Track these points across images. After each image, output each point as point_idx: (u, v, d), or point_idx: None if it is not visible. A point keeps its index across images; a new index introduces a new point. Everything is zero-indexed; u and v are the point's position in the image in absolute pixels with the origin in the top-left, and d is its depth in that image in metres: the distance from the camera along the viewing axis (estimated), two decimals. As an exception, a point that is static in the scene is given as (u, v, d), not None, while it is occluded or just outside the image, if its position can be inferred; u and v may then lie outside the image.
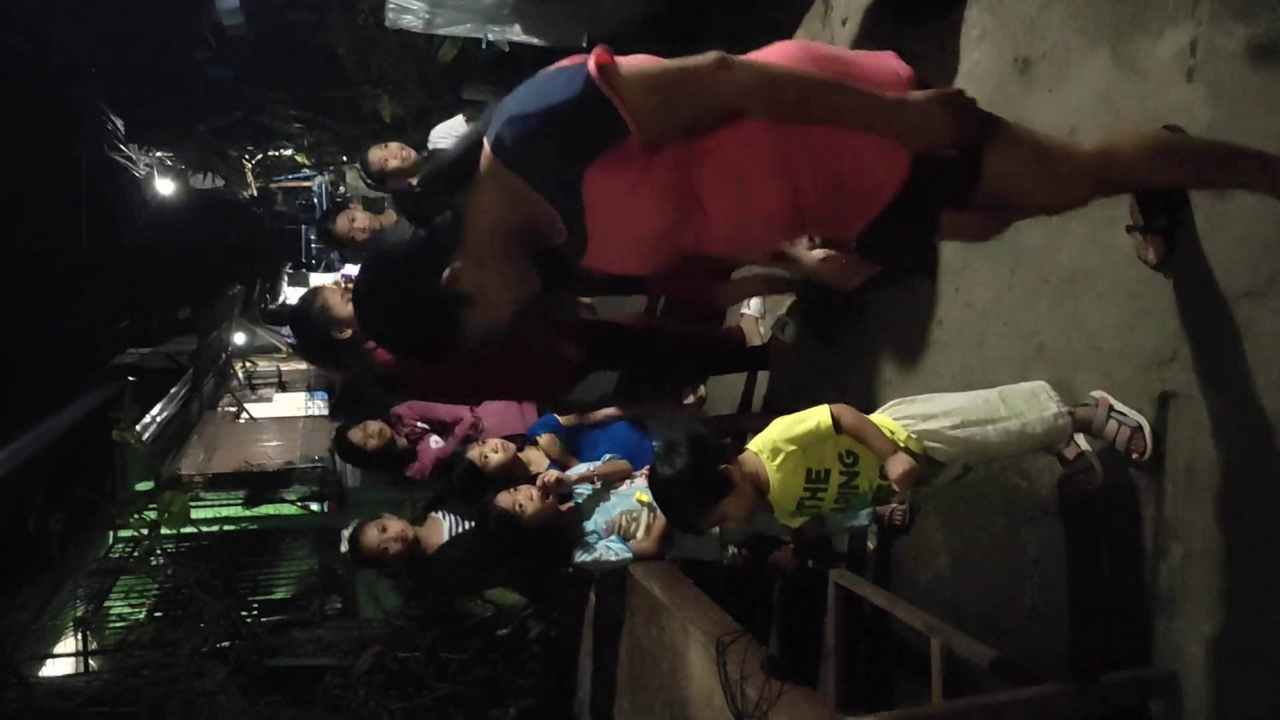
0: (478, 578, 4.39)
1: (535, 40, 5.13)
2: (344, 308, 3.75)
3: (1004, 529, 3.18)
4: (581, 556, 3.62)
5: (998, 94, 3.17)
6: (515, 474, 3.88)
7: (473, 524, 4.11)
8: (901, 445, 2.52)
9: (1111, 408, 2.64)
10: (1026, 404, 2.63)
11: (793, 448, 2.51)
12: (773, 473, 2.54)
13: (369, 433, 4.54)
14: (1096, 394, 2.69)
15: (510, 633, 4.97)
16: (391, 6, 5.01)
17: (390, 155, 4.50)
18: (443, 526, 4.12)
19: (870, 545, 3.82)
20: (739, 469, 2.54)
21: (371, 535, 3.95)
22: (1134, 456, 2.61)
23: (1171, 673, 2.54)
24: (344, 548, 4.09)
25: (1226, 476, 2.42)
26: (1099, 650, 2.80)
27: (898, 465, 2.45)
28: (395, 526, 4.01)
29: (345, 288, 3.86)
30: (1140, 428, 2.59)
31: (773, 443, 2.55)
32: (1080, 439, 2.75)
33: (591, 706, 4.13)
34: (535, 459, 3.99)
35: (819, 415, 2.54)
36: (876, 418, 2.62)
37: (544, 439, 4.01)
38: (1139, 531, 2.66)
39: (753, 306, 4.37)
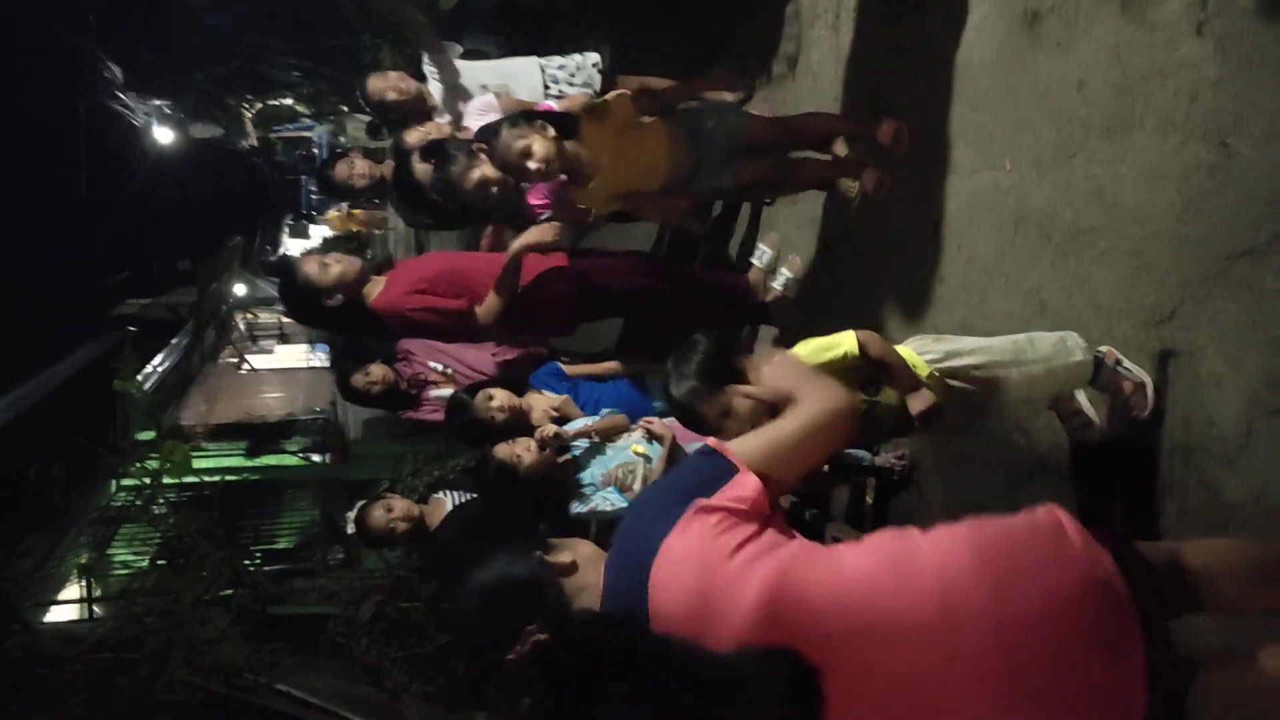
0: (480, 550, 4.39)
1: (537, -10, 5.06)
2: (324, 277, 3.79)
3: (1002, 485, 3.20)
4: (577, 508, 3.65)
5: (1006, 48, 3.14)
6: (517, 423, 3.88)
7: (473, 496, 4.12)
8: (924, 380, 2.53)
9: (1119, 361, 2.65)
10: (1055, 349, 2.68)
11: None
12: None
13: (372, 378, 4.55)
14: (1104, 348, 2.70)
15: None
16: (392, -47, 4.94)
17: (390, 85, 4.45)
18: (446, 504, 4.14)
19: (868, 500, 3.85)
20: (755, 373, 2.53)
21: (378, 516, 3.97)
22: (1133, 414, 2.62)
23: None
24: (350, 530, 4.11)
25: (1223, 434, 2.43)
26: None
27: (920, 401, 2.46)
28: (400, 505, 4.02)
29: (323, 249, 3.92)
30: (1143, 385, 2.60)
31: None
32: (1080, 394, 2.76)
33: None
34: (537, 405, 3.98)
35: (847, 344, 2.54)
36: (901, 349, 2.64)
37: (561, 400, 4.00)
38: (1136, 488, 2.67)
39: (763, 260, 4.36)
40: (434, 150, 3.69)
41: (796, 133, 3.83)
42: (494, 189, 3.52)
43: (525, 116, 3.35)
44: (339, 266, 3.85)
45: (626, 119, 3.47)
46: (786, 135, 3.80)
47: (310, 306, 3.95)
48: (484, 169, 3.45)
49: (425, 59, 4.64)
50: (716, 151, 3.53)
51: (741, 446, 1.78)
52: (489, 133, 3.37)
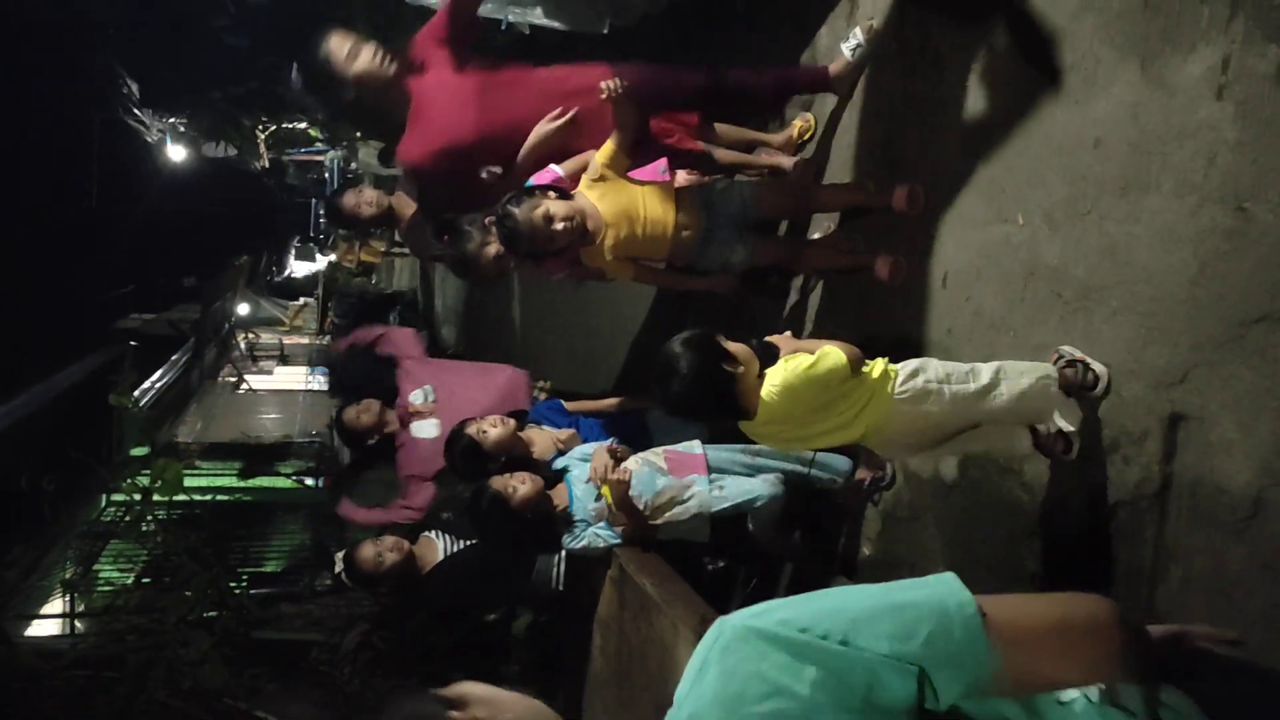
0: (471, 598, 4.36)
1: (557, 24, 5.06)
2: (347, 64, 3.61)
3: (1003, 542, 3.15)
4: (570, 542, 3.63)
5: (1022, 103, 3.13)
6: (515, 450, 3.84)
7: (467, 543, 4.07)
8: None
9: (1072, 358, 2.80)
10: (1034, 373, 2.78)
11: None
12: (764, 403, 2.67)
13: (362, 409, 4.51)
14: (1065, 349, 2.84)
15: (498, 619, 4.96)
16: (412, -16, 4.95)
17: None
18: (437, 546, 4.09)
19: (865, 551, 3.80)
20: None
21: (367, 549, 3.94)
22: (1085, 390, 2.78)
23: (1165, 697, 2.51)
24: (338, 569, 4.08)
25: (1233, 503, 2.39)
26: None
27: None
28: (389, 539, 4.01)
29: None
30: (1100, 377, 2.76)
31: (784, 383, 2.64)
32: (1057, 417, 2.83)
33: (577, 699, 4.11)
34: (538, 440, 3.94)
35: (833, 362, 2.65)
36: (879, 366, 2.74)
37: (567, 435, 3.96)
38: (1139, 552, 2.63)
39: (855, 43, 3.88)
40: (447, 227, 3.69)
41: (811, 204, 3.79)
42: (511, 262, 3.54)
43: (525, 191, 3.37)
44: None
45: (620, 165, 3.46)
46: (801, 205, 3.77)
47: (324, 85, 3.77)
48: (499, 244, 3.45)
49: None
50: (729, 218, 3.49)
51: None
52: (501, 220, 3.34)
